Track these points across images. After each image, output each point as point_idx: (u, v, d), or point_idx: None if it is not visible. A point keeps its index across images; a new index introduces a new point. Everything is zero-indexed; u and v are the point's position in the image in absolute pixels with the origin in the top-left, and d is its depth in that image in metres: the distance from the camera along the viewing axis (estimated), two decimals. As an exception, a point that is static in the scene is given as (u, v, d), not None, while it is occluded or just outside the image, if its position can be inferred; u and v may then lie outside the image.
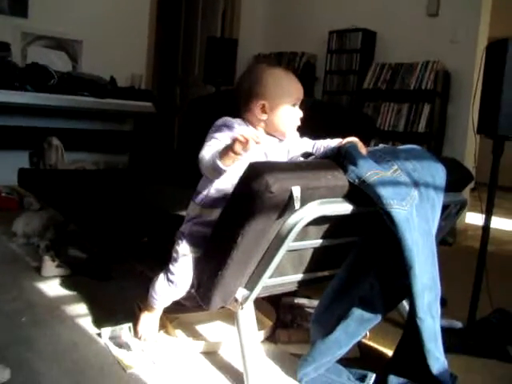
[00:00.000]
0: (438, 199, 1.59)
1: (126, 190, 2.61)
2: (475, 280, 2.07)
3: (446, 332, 2.06)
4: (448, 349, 1.90)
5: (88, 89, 4.20)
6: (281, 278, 1.52)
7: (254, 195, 1.24)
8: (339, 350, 1.54)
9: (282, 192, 1.25)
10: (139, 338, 1.72)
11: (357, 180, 1.39)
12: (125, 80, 4.78)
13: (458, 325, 2.14)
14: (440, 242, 3.51)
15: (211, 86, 4.74)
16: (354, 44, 4.58)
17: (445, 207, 1.80)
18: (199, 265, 1.49)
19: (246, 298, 1.44)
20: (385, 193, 1.37)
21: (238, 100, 1.64)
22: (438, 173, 1.61)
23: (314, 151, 1.66)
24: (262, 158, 1.57)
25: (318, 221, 1.40)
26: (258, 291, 1.45)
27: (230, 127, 1.55)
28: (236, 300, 1.44)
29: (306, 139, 1.72)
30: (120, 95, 4.42)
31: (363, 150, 1.51)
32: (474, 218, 4.26)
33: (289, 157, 1.66)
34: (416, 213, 1.44)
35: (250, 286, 1.44)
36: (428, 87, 3.96)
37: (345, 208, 1.40)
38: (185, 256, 1.54)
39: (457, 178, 1.78)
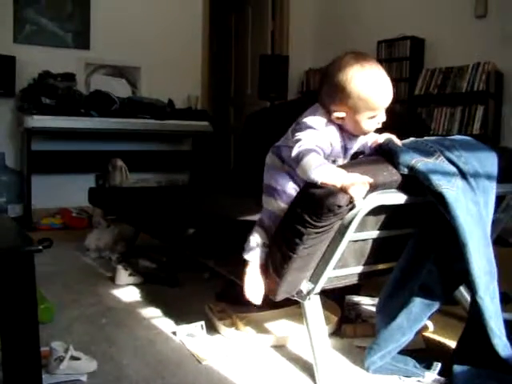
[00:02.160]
0: (491, 186, 1.62)
1: (187, 202, 2.75)
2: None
3: (511, 324, 2.07)
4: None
5: (148, 112, 4.43)
6: (343, 269, 1.59)
7: (323, 207, 1.34)
8: (403, 337, 1.59)
9: (348, 202, 1.36)
10: (249, 301, 1.64)
11: (406, 169, 1.47)
12: (182, 101, 5.00)
13: (524, 318, 2.13)
14: (502, 243, 3.50)
15: (266, 101, 4.89)
16: (403, 52, 4.61)
17: (500, 198, 1.82)
18: (266, 257, 1.58)
19: (311, 290, 1.52)
20: (433, 176, 1.44)
21: (320, 87, 1.59)
22: (488, 160, 1.64)
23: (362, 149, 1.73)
24: (341, 152, 1.61)
25: (377, 212, 1.47)
26: (322, 283, 1.53)
27: (315, 128, 1.53)
28: (301, 292, 1.53)
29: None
30: (178, 116, 4.62)
31: (399, 143, 1.58)
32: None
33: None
34: (463, 196, 1.48)
35: (315, 278, 1.52)
36: (480, 89, 3.93)
37: (400, 198, 1.47)
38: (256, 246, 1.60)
39: (510, 165, 1.80)
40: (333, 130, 1.57)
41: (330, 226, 1.38)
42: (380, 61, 4.78)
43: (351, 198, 1.35)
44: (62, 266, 2.85)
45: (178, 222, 2.12)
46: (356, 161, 1.61)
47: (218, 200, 2.73)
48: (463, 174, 1.55)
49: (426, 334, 1.96)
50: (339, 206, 1.33)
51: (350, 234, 1.42)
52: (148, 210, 2.53)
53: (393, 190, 1.47)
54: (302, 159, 1.44)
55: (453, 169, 1.54)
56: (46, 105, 4.00)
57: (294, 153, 1.48)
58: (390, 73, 4.85)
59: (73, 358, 1.59)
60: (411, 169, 1.48)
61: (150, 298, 2.33)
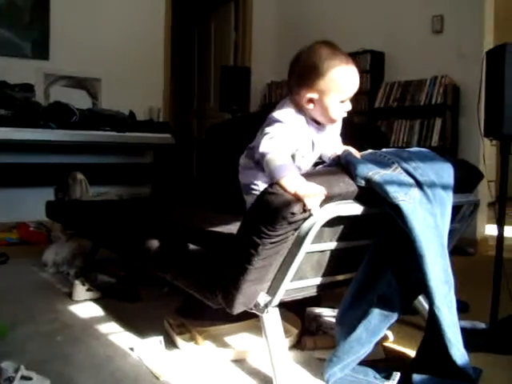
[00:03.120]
0: (448, 196, 1.65)
1: (145, 215, 2.71)
2: (494, 278, 2.10)
3: (470, 332, 2.11)
4: (472, 348, 1.94)
5: (108, 124, 4.36)
6: (301, 281, 1.58)
7: (272, 206, 1.33)
8: (362, 349, 1.59)
9: (302, 210, 1.35)
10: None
11: (363, 181, 1.48)
12: (143, 113, 4.95)
13: (481, 325, 2.16)
14: (461, 253, 3.58)
15: (227, 113, 4.89)
16: (363, 65, 4.69)
17: (457, 208, 1.86)
18: (222, 268, 1.56)
19: (269, 303, 1.51)
20: (390, 188, 1.46)
21: (290, 76, 1.65)
22: (444, 171, 1.67)
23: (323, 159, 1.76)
24: (309, 146, 1.66)
25: (333, 222, 1.48)
26: (280, 296, 1.52)
27: (283, 122, 1.57)
28: (258, 304, 1.51)
29: (339, 140, 1.80)
30: (139, 128, 4.57)
31: (358, 155, 1.61)
32: (493, 230, 4.28)
33: (324, 152, 1.76)
34: (419, 207, 1.51)
35: (272, 290, 1.51)
36: (438, 101, 4.03)
37: (357, 208, 1.48)
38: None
39: (466, 176, 1.85)
40: (301, 121, 1.62)
41: (285, 236, 1.38)
42: (341, 74, 4.85)
43: (305, 206, 1.36)
44: (17, 282, 2.77)
45: (135, 235, 2.08)
46: (313, 171, 1.62)
47: (177, 212, 2.69)
48: (420, 186, 1.58)
49: (386, 344, 1.97)
50: (293, 214, 1.33)
51: (307, 246, 1.42)
52: (105, 223, 2.48)
53: (350, 200, 1.48)
54: (266, 155, 1.49)
55: (410, 180, 1.57)
56: (3, 116, 3.90)
57: (260, 148, 1.52)
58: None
59: (24, 378, 1.53)
60: (368, 181, 1.49)
61: (108, 314, 2.28)
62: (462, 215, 1.97)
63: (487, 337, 2.06)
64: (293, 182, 1.40)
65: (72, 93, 4.58)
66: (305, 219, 1.37)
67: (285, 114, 1.60)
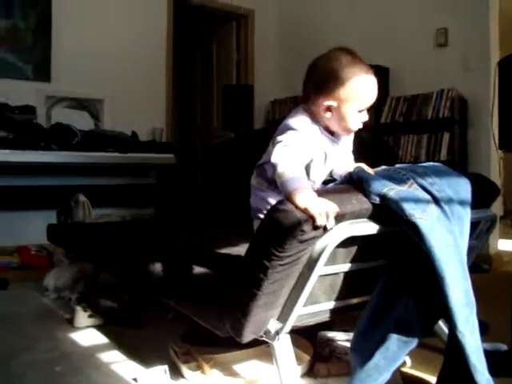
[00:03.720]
0: (466, 212, 1.56)
1: (147, 238, 2.63)
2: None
3: (492, 355, 2.00)
4: (495, 372, 1.83)
5: (111, 145, 4.31)
6: (313, 306, 1.49)
7: (281, 227, 1.25)
8: (380, 377, 1.48)
9: (308, 221, 1.26)
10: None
11: (378, 198, 1.39)
12: (146, 134, 4.90)
13: (503, 347, 2.06)
14: (476, 269, 3.48)
15: (230, 132, 4.83)
16: (367, 81, 4.64)
17: (475, 224, 1.77)
18: (229, 294, 1.48)
19: (280, 330, 1.41)
20: (406, 205, 1.37)
21: (307, 85, 1.61)
22: (461, 186, 1.59)
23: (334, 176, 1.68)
24: (322, 157, 1.61)
25: (346, 243, 1.39)
26: (292, 322, 1.42)
27: (296, 130, 1.53)
28: (269, 332, 1.42)
29: (351, 157, 1.75)
30: (142, 149, 4.51)
31: (371, 171, 1.53)
32: (507, 245, 4.20)
33: (335, 169, 1.71)
34: (438, 225, 1.42)
35: (283, 317, 1.41)
36: (445, 115, 3.96)
37: (372, 227, 1.39)
38: None
39: (483, 191, 1.76)
40: (315, 130, 1.57)
41: (296, 257, 1.28)
42: (345, 90, 4.80)
43: (315, 223, 1.26)
44: (17, 308, 2.68)
45: (136, 259, 1.99)
46: (323, 189, 1.53)
47: (181, 233, 2.61)
48: (437, 202, 1.49)
49: (404, 369, 1.87)
50: (303, 231, 1.24)
51: (320, 268, 1.33)
52: (106, 246, 2.40)
53: (364, 219, 1.39)
54: (277, 166, 1.42)
55: (427, 196, 1.48)
56: (3, 138, 3.84)
57: (272, 157, 1.45)
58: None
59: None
60: (383, 197, 1.40)
61: (110, 341, 2.18)
62: (479, 231, 1.88)
63: (509, 360, 1.95)
64: (304, 196, 1.30)
65: (74, 114, 4.54)
66: (316, 238, 1.28)
67: (299, 122, 1.55)
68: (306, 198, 1.30)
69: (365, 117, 1.61)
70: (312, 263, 1.31)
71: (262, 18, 5.75)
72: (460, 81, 4.04)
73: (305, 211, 1.27)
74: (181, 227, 2.99)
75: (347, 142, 1.76)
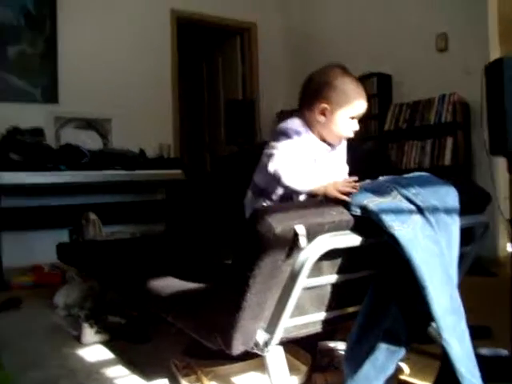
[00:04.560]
0: (453, 220, 1.58)
1: (158, 253, 2.68)
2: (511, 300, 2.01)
3: (492, 360, 2.00)
4: (494, 377, 1.84)
5: (119, 163, 4.39)
6: (302, 317, 1.51)
7: (259, 238, 1.28)
8: (371, 386, 1.51)
9: (286, 232, 1.29)
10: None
11: (359, 210, 1.42)
12: (153, 151, 4.98)
13: (504, 352, 2.05)
14: (484, 273, 3.46)
15: (234, 146, 4.89)
16: (370, 89, 4.66)
17: (467, 230, 1.79)
18: (219, 307, 1.51)
19: (268, 341, 1.44)
20: (385, 216, 1.40)
21: (302, 96, 1.76)
22: (448, 195, 1.61)
23: None
24: (311, 164, 1.69)
25: (331, 255, 1.42)
26: (280, 334, 1.45)
27: (289, 136, 1.66)
28: (258, 343, 1.45)
29: (346, 169, 1.84)
30: (150, 166, 4.59)
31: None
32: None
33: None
34: (422, 235, 1.44)
35: (271, 328, 1.44)
36: (448, 120, 3.97)
37: (354, 239, 1.42)
38: None
39: (474, 197, 1.78)
40: (309, 137, 1.69)
41: (274, 266, 1.32)
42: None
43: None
44: (28, 327, 2.74)
45: (136, 275, 2.04)
46: (304, 201, 1.57)
47: (183, 249, 2.66)
48: (422, 212, 1.51)
49: (402, 377, 1.88)
50: (274, 235, 1.27)
51: (303, 281, 1.36)
52: (109, 264, 2.46)
53: (345, 231, 1.42)
54: (282, 175, 1.57)
55: (410, 207, 1.50)
56: (15, 161, 3.95)
57: (270, 168, 1.59)
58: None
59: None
60: (363, 209, 1.44)
61: (115, 357, 2.23)
62: (472, 237, 1.89)
63: (509, 365, 1.95)
64: (320, 188, 1.51)
65: (82, 134, 4.64)
66: (291, 248, 1.31)
67: (292, 126, 1.68)
68: (321, 188, 1.49)
69: (356, 126, 1.72)
70: (294, 276, 1.35)
71: (265, 31, 5.82)
72: (462, 85, 4.05)
73: (335, 199, 1.44)
74: (186, 242, 3.04)
75: (341, 151, 1.84)
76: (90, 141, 4.58)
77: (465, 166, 3.98)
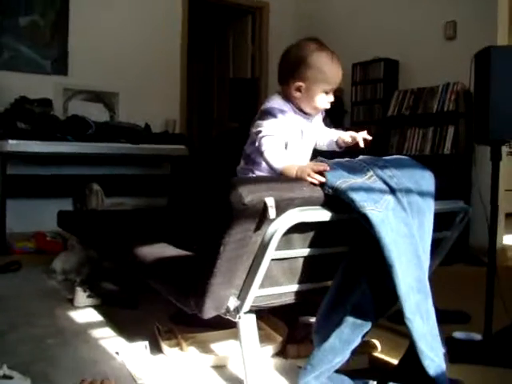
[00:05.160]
0: (427, 205, 1.63)
1: (153, 225, 2.76)
2: (487, 289, 2.06)
3: (465, 344, 2.07)
4: (466, 359, 1.91)
5: (124, 136, 4.45)
6: (274, 288, 1.58)
7: (229, 207, 1.34)
8: (336, 358, 1.56)
9: (255, 203, 1.35)
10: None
11: (330, 190, 1.48)
12: (159, 126, 5.04)
13: (477, 337, 2.11)
14: (478, 263, 3.49)
15: (237, 123, 4.95)
16: (377, 74, 4.68)
17: (447, 215, 1.84)
18: (191, 272, 1.59)
19: (239, 308, 1.51)
20: (357, 197, 1.45)
21: (280, 71, 1.85)
22: (423, 179, 1.66)
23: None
24: (299, 134, 1.82)
25: (302, 229, 1.48)
26: (250, 301, 1.51)
27: (274, 115, 1.73)
28: (229, 309, 1.52)
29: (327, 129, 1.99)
30: (155, 140, 4.64)
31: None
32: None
33: (318, 142, 1.95)
34: (393, 216, 1.49)
35: (242, 296, 1.51)
36: (450, 108, 3.98)
37: (324, 215, 1.47)
38: None
39: (452, 184, 1.83)
40: (289, 110, 1.79)
41: (244, 235, 1.38)
42: (355, 83, 4.85)
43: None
44: (25, 289, 2.85)
45: (125, 243, 2.12)
46: (279, 177, 1.63)
47: (176, 221, 2.73)
48: (395, 194, 1.56)
49: (374, 353, 1.95)
50: (244, 205, 1.33)
51: (272, 252, 1.42)
52: (103, 233, 2.54)
53: (316, 206, 1.48)
54: (264, 150, 1.68)
55: (383, 188, 1.55)
56: (22, 129, 4.03)
57: (257, 143, 1.72)
58: (364, 94, 4.93)
59: (5, 376, 1.58)
60: (335, 189, 1.49)
61: (104, 320, 2.33)
62: (453, 222, 1.94)
63: (481, 348, 2.01)
64: (291, 168, 1.58)
65: (90, 106, 4.71)
66: (261, 219, 1.37)
67: (274, 105, 1.76)
68: (293, 169, 1.57)
69: (331, 98, 1.80)
70: (264, 246, 1.41)
71: (277, 11, 5.81)
72: (467, 74, 4.02)
73: (300, 178, 1.52)
74: (181, 214, 3.12)
75: (318, 120, 1.97)
76: (97, 113, 4.65)
77: (465, 156, 3.99)
